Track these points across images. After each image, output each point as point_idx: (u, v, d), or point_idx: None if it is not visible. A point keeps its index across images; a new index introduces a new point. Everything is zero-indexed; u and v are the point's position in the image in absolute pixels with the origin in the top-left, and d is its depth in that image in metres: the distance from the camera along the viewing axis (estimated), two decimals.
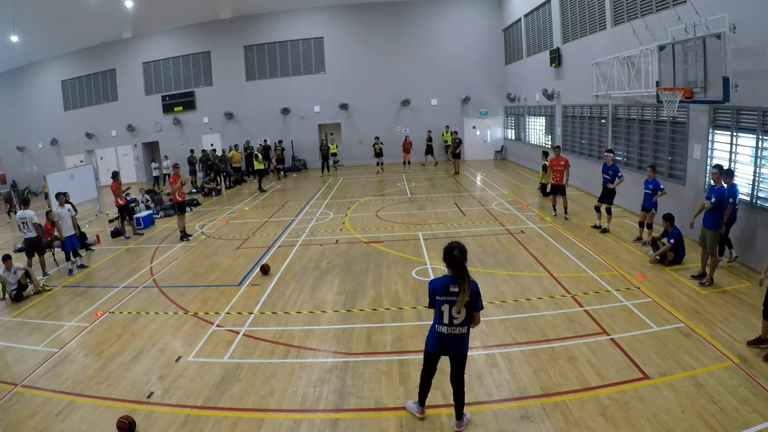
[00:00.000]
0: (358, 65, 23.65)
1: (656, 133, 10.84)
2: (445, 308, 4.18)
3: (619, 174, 10.14)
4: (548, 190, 13.07)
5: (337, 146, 23.20)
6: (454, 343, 4.27)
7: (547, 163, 14.22)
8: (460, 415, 4.47)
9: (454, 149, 19.95)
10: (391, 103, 23.86)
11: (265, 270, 8.98)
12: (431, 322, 4.36)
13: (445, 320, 4.21)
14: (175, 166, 12.77)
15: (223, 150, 22.86)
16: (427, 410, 4.73)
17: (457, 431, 4.43)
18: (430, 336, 4.37)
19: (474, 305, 4.20)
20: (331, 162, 23.08)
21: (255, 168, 19.86)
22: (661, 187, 9.25)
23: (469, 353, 4.43)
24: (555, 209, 12.01)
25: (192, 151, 22.72)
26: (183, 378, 5.65)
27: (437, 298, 4.24)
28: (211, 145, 24.24)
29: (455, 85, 23.52)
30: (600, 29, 13.18)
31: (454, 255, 4.13)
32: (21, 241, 12.86)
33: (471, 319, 4.25)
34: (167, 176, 21.86)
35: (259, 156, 19.73)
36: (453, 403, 4.49)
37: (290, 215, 14.07)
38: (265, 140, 23.99)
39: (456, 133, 21.45)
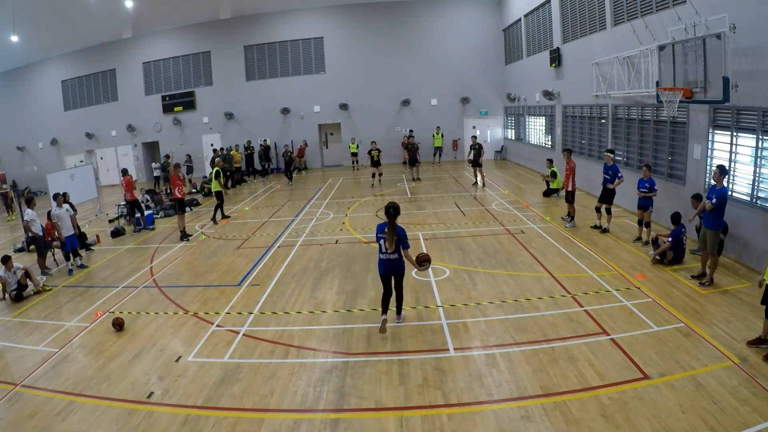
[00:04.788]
0: (358, 65, 23.64)
1: (656, 133, 10.84)
2: (381, 243, 6.13)
3: (619, 174, 10.12)
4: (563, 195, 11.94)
5: (357, 146, 22.87)
6: (391, 265, 6.21)
7: (556, 170, 14.24)
8: (399, 312, 6.64)
9: (476, 156, 16.38)
10: (391, 103, 23.85)
11: (118, 325, 7.09)
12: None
13: (382, 250, 6.18)
14: (176, 166, 12.93)
15: (223, 149, 22.83)
16: (426, 410, 4.76)
17: (397, 323, 6.58)
18: (378, 263, 6.36)
19: (402, 244, 6.06)
20: (354, 161, 22.97)
21: (213, 190, 14.27)
22: (655, 187, 9.30)
23: (468, 353, 4.49)
24: (569, 216, 11.15)
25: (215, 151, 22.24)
26: (183, 378, 5.65)
27: (378, 235, 6.19)
28: (211, 144, 24.27)
29: (455, 85, 23.52)
30: (600, 29, 13.18)
31: (389, 210, 6.04)
32: (21, 241, 12.93)
33: (401, 252, 6.13)
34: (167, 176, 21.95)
35: (220, 174, 14.35)
36: (395, 306, 6.59)
37: (290, 215, 14.07)
38: (266, 140, 24.00)
39: (475, 138, 17.62)
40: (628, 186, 10.64)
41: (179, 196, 12.30)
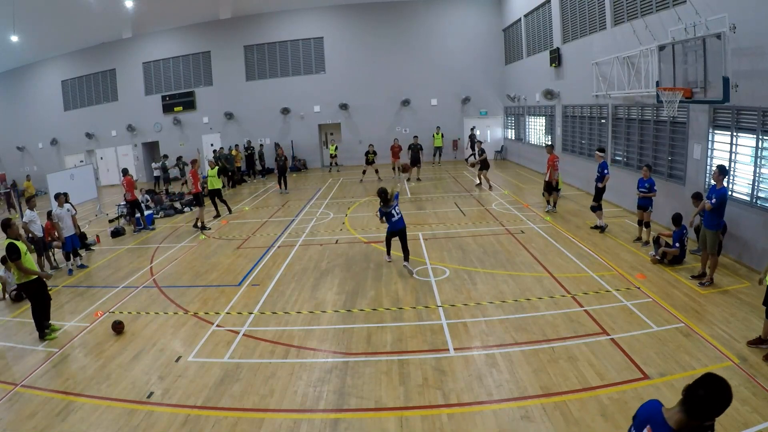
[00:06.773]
0: (358, 65, 23.63)
1: (656, 133, 10.84)
2: (392, 210, 8.45)
3: (605, 171, 10.39)
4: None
5: (336, 147, 22.94)
6: (401, 222, 8.54)
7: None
8: (406, 258, 8.51)
9: (480, 160, 16.14)
10: (391, 103, 23.84)
11: (118, 328, 6.97)
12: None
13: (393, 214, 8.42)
14: (193, 162, 13.90)
15: (223, 148, 22.83)
16: (426, 410, 4.77)
17: (406, 266, 8.52)
18: (393, 224, 8.51)
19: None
20: (332, 163, 22.94)
21: (211, 187, 14.23)
22: (655, 187, 9.31)
23: (468, 353, 4.58)
24: (548, 203, 12.53)
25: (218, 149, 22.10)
26: (183, 378, 5.65)
27: (388, 209, 8.52)
28: (211, 144, 24.26)
29: (455, 85, 23.51)
30: (600, 29, 13.17)
31: (379, 194, 8.58)
32: None
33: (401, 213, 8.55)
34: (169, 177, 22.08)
35: (217, 168, 14.52)
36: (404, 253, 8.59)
37: (290, 215, 14.07)
38: (258, 141, 23.92)
39: (481, 143, 17.53)
40: (628, 186, 10.64)
41: (199, 189, 13.19)
